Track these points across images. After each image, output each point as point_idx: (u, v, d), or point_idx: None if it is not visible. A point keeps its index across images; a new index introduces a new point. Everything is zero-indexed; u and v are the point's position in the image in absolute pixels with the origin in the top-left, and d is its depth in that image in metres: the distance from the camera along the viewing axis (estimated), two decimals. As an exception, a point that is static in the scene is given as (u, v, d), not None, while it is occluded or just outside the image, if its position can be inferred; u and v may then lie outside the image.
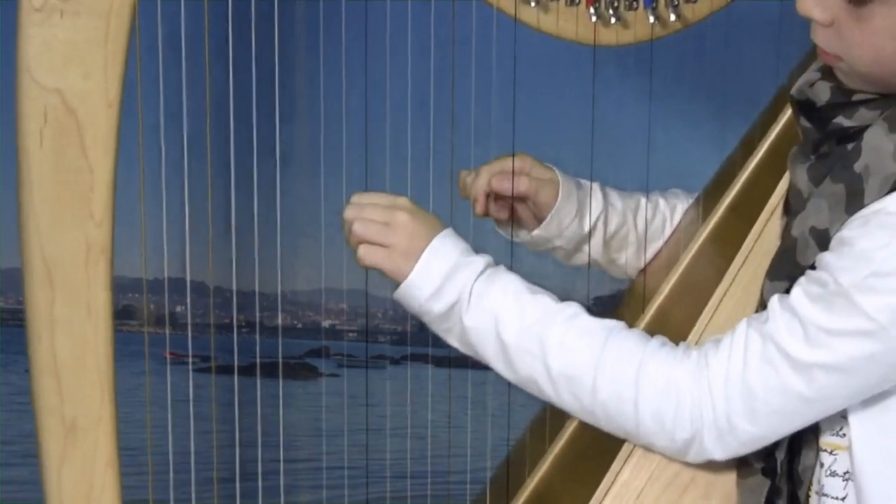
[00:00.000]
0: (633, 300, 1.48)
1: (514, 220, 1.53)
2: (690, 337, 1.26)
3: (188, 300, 1.14)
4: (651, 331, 1.26)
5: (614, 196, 1.55)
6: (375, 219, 1.22)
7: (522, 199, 1.50)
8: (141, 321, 1.16)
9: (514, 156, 1.47)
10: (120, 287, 1.05)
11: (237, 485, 1.15)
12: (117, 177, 1.04)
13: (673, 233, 1.58)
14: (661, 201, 1.58)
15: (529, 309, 1.20)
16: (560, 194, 1.48)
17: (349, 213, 1.24)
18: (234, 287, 1.15)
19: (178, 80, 1.06)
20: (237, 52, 1.09)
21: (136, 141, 1.01)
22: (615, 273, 1.59)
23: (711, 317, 1.29)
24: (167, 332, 1.17)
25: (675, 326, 1.30)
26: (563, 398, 1.18)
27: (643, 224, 1.56)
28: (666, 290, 1.43)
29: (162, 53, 1.04)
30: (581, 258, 1.54)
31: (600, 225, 1.53)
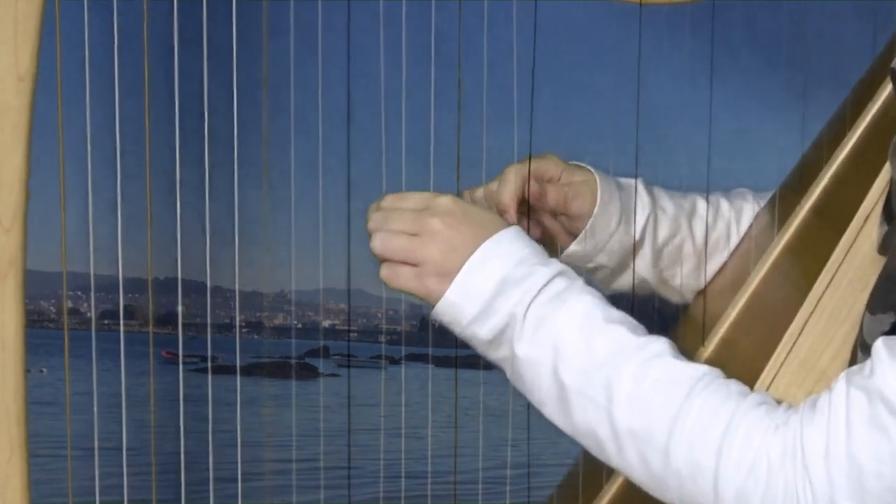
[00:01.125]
0: (691, 328, 1.20)
1: (542, 237, 1.22)
2: (763, 376, 1.02)
3: (178, 299, 1.14)
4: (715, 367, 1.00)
5: (663, 197, 1.26)
6: (402, 228, 0.99)
7: (550, 211, 1.22)
8: (140, 321, 1.16)
9: (529, 158, 1.17)
10: (118, 287, 1.05)
11: (238, 485, 1.15)
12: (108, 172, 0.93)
13: (740, 243, 1.29)
14: (724, 203, 1.30)
15: (600, 342, 0.95)
16: (599, 199, 1.20)
17: (373, 222, 1.00)
18: (237, 287, 1.15)
19: (134, 62, 0.91)
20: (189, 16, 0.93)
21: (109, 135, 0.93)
22: (669, 295, 1.29)
23: (790, 350, 1.03)
24: (154, 331, 1.16)
25: (742, 363, 1.06)
26: (628, 460, 0.94)
27: (702, 232, 1.26)
28: (732, 315, 1.16)
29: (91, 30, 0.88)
30: (628, 279, 1.25)
31: (648, 234, 1.24)
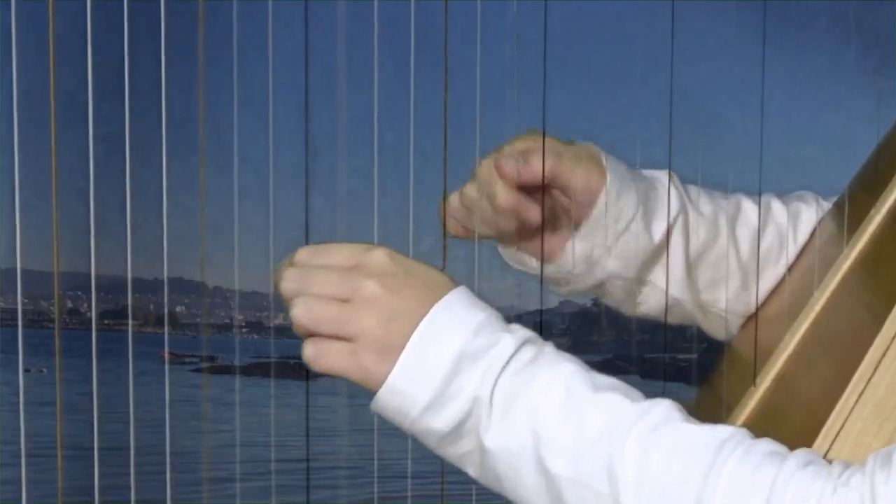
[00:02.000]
0: (738, 363, 0.98)
1: (526, 239, 1.00)
2: (830, 423, 0.81)
3: (177, 299, 1.13)
4: (767, 414, 0.87)
5: (699, 196, 1.02)
6: (330, 293, 0.79)
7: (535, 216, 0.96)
8: (140, 321, 1.16)
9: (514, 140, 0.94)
10: (120, 287, 1.05)
11: (237, 485, 1.15)
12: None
13: (799, 255, 1.03)
14: (777, 205, 1.04)
15: (591, 417, 0.76)
16: (608, 178, 0.95)
17: (290, 283, 0.81)
18: (237, 286, 1.14)
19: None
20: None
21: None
22: (710, 326, 1.03)
23: (863, 391, 0.82)
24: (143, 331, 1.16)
25: (802, 406, 0.88)
26: None
27: (749, 241, 1.00)
28: (790, 346, 0.94)
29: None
30: (654, 301, 1.00)
31: (677, 239, 0.98)
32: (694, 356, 0.97)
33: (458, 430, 0.78)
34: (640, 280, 1.01)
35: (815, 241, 1.03)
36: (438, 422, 0.78)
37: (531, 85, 0.86)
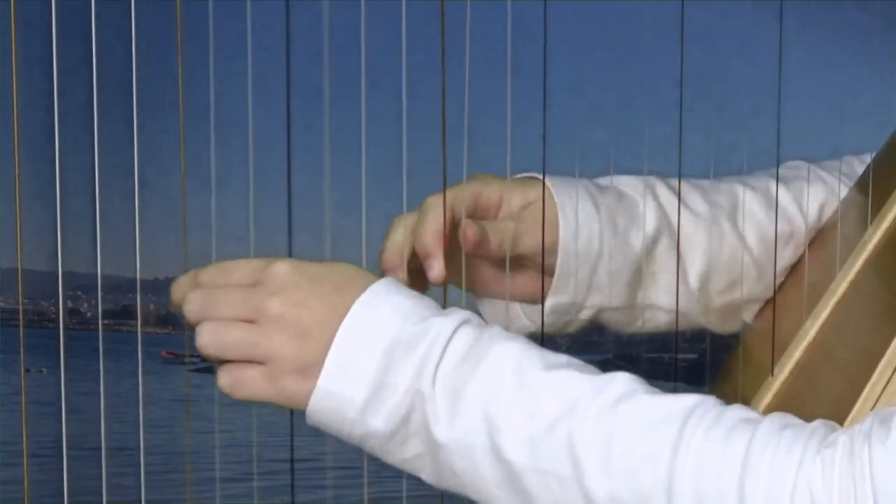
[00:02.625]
0: (754, 353, 0.93)
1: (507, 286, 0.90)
2: (855, 412, 0.76)
3: (162, 297, 1.13)
4: (786, 404, 0.82)
5: (693, 195, 0.93)
6: (233, 315, 0.74)
7: (499, 257, 0.88)
8: (140, 321, 1.16)
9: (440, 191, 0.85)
10: (119, 287, 1.05)
11: (237, 485, 1.15)
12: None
13: (816, 237, 0.96)
14: (783, 189, 0.95)
15: (546, 397, 0.71)
16: (560, 221, 0.88)
17: (192, 306, 0.76)
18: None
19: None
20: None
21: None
22: (724, 326, 0.97)
23: (890, 378, 0.77)
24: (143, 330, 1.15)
25: (825, 395, 0.83)
26: None
27: (754, 231, 0.94)
28: (811, 332, 0.89)
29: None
30: (658, 320, 0.94)
31: (666, 251, 0.91)
32: (694, 356, 0.95)
33: (402, 428, 0.73)
34: (634, 305, 0.94)
35: (835, 220, 0.95)
36: (380, 421, 0.72)
37: (530, 55, 0.82)
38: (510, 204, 0.90)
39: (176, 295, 0.79)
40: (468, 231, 0.85)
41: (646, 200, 0.92)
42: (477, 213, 0.89)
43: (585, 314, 0.93)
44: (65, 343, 0.88)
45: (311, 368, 0.73)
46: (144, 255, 0.97)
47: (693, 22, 0.81)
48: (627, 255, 0.91)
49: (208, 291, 0.77)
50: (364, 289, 0.74)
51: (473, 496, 0.75)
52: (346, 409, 0.72)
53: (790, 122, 0.87)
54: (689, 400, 0.71)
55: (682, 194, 0.93)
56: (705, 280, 0.94)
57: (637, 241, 0.91)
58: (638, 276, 0.93)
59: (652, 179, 0.95)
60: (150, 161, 0.99)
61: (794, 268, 0.98)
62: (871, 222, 0.92)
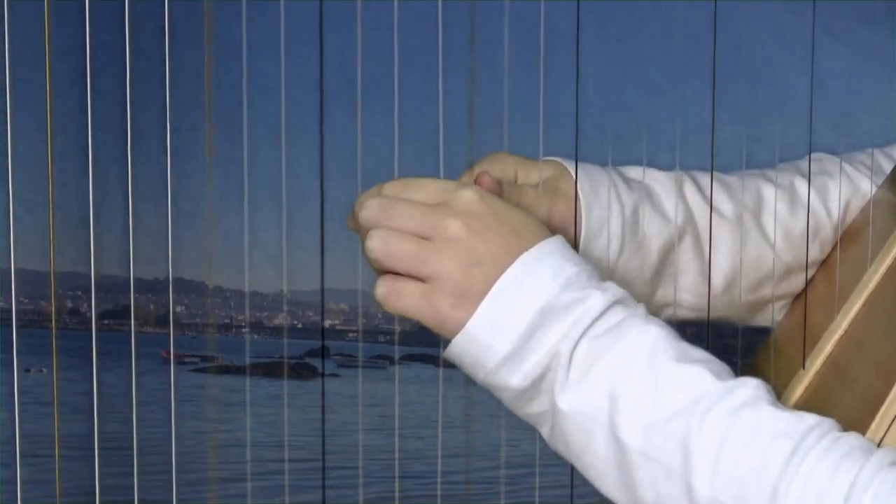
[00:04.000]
0: (785, 347, 0.93)
1: None
2: (886, 406, 0.76)
3: (162, 297, 1.13)
4: (817, 398, 0.83)
5: (718, 193, 0.93)
6: (410, 228, 0.74)
7: None
8: (140, 321, 1.16)
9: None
10: (119, 287, 1.05)
11: (237, 485, 1.15)
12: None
13: (847, 231, 0.97)
14: (800, 184, 0.96)
15: (672, 389, 0.71)
16: (584, 208, 0.87)
17: (369, 213, 0.76)
18: (245, 287, 1.14)
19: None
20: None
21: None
22: (751, 321, 0.98)
23: None
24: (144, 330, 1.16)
25: (857, 390, 0.81)
26: None
27: (780, 230, 0.94)
28: (842, 325, 0.89)
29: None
30: (678, 315, 0.93)
31: (689, 252, 0.91)
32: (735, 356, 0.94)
33: (534, 387, 0.73)
34: (651, 302, 0.92)
35: (867, 213, 0.95)
36: (515, 377, 0.73)
37: (560, 49, 0.80)
38: (528, 178, 0.89)
39: (356, 209, 0.78)
40: (483, 178, 0.83)
41: (674, 199, 0.92)
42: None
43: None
44: (56, 342, 0.88)
45: (470, 299, 0.73)
46: (144, 254, 0.97)
47: (724, 15, 0.82)
48: (647, 256, 0.90)
49: (389, 200, 0.76)
50: (539, 240, 0.75)
51: (577, 466, 0.75)
52: (488, 357, 0.73)
53: (821, 112, 0.87)
54: (808, 420, 0.71)
55: (706, 195, 0.93)
56: (730, 281, 0.94)
57: (659, 242, 0.91)
58: (658, 275, 0.92)
59: (681, 176, 0.94)
60: (148, 160, 0.99)
61: (825, 262, 0.98)
62: None
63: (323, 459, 0.88)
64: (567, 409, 0.72)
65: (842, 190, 0.98)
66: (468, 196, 0.75)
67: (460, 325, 0.73)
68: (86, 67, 0.88)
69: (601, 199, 0.88)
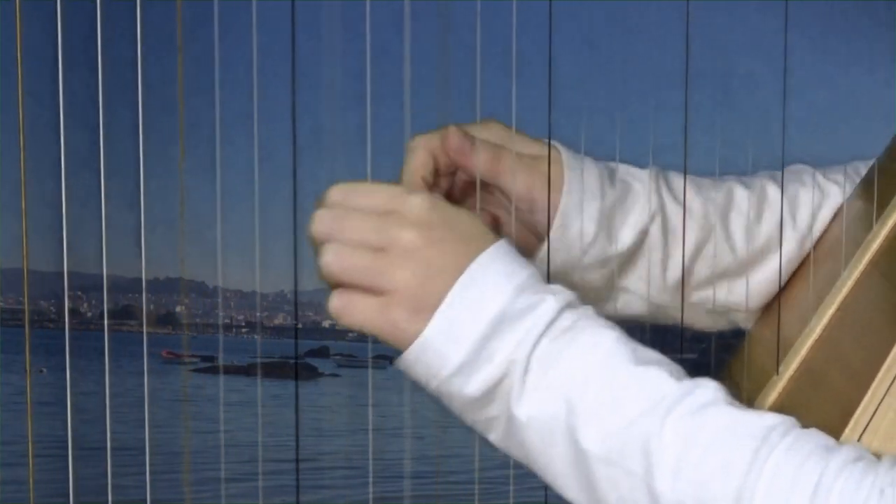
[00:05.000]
0: (759, 352, 0.93)
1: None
2: (860, 412, 0.76)
3: (162, 297, 1.13)
4: (791, 404, 0.82)
5: (689, 190, 0.93)
6: (362, 240, 0.73)
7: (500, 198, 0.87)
8: (140, 321, 1.16)
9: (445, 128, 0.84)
10: (119, 287, 1.05)
11: (236, 485, 1.15)
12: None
13: (822, 237, 0.96)
14: (772, 190, 0.96)
15: (630, 392, 0.71)
16: (566, 184, 0.87)
17: (321, 225, 0.75)
18: (257, 288, 1.14)
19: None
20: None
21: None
22: (702, 323, 0.97)
23: (893, 381, 0.76)
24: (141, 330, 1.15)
25: (830, 394, 0.82)
26: None
27: (743, 231, 0.94)
28: (816, 330, 0.89)
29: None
30: (633, 308, 0.93)
31: (654, 243, 0.91)
32: (694, 356, 0.95)
33: (488, 395, 0.72)
34: (613, 286, 0.92)
35: (840, 219, 0.95)
36: (469, 386, 0.72)
37: (533, 53, 0.80)
38: (514, 147, 0.87)
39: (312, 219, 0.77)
40: (451, 137, 0.83)
41: (649, 195, 0.91)
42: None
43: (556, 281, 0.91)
44: (69, 342, 0.88)
45: (425, 310, 0.72)
46: (145, 254, 0.97)
47: (698, 20, 0.81)
48: (617, 247, 0.90)
49: (340, 212, 0.75)
50: (488, 245, 0.74)
51: (538, 472, 0.75)
52: (441, 366, 0.72)
53: (796, 120, 0.87)
54: (770, 419, 0.70)
55: (672, 183, 0.94)
56: (687, 273, 0.93)
57: (630, 235, 0.91)
58: (623, 266, 0.93)
59: (658, 173, 0.94)
60: (150, 161, 0.99)
61: (799, 267, 0.97)
62: (876, 221, 0.92)
63: (297, 461, 0.87)
64: (525, 417, 0.72)
65: (811, 201, 0.97)
66: (419, 204, 0.74)
67: (416, 337, 0.72)
68: (96, 69, 0.87)
69: (582, 183, 0.87)
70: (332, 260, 0.73)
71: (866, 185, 0.96)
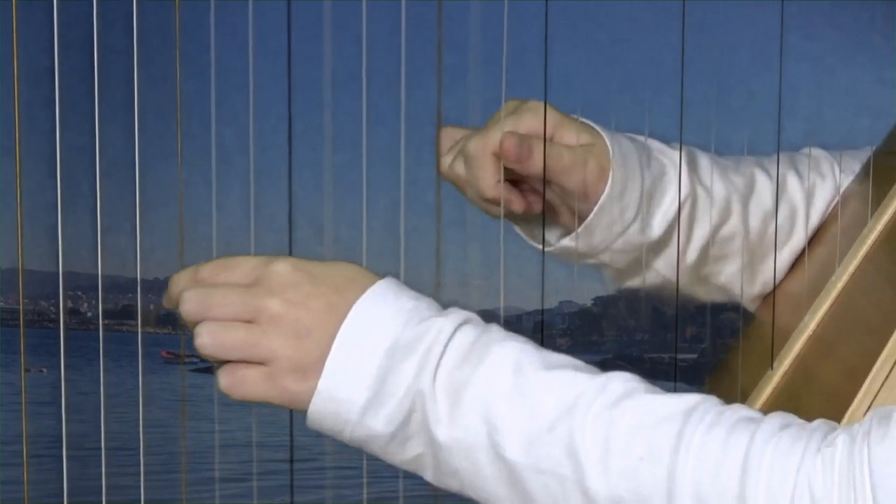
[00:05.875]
0: (754, 347, 0.94)
1: (530, 216, 0.94)
2: (854, 406, 0.76)
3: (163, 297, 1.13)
4: (785, 399, 0.82)
5: (712, 173, 0.95)
6: (232, 316, 0.73)
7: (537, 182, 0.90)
8: (141, 321, 1.16)
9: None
10: (119, 287, 1.05)
11: (236, 485, 1.15)
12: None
13: (818, 232, 0.98)
14: (793, 181, 0.97)
15: (545, 397, 0.71)
16: (610, 180, 0.90)
17: (189, 306, 0.75)
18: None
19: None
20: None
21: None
22: (709, 296, 0.99)
23: (889, 373, 0.76)
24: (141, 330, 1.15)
25: (824, 389, 0.83)
26: None
27: (759, 220, 0.96)
28: (810, 326, 0.89)
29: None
30: (655, 284, 0.96)
31: (682, 229, 0.94)
32: (694, 356, 0.95)
33: (403, 429, 0.72)
34: (633, 266, 0.95)
35: (837, 214, 0.95)
36: (380, 423, 0.72)
37: (531, 48, 0.81)
38: (564, 139, 0.90)
39: (173, 292, 0.79)
40: (508, 142, 0.86)
41: (680, 180, 0.93)
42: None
43: (589, 261, 0.95)
44: (65, 342, 0.88)
45: (310, 369, 0.73)
46: (144, 254, 0.97)
47: (694, 15, 0.82)
48: (650, 233, 0.93)
49: (206, 291, 0.76)
50: (365, 289, 0.74)
51: (473, 496, 0.74)
52: (347, 411, 0.72)
53: (791, 116, 0.89)
54: (689, 399, 0.71)
55: (700, 170, 0.94)
56: (703, 254, 0.96)
57: (662, 224, 0.94)
58: (656, 249, 0.95)
59: (687, 153, 0.95)
60: (150, 160, 0.99)
61: (796, 260, 0.99)
62: (872, 215, 0.92)
63: (291, 461, 0.87)
64: (446, 441, 0.71)
65: (827, 192, 1.00)
66: (280, 270, 0.75)
67: (310, 397, 0.73)
68: (93, 69, 0.87)
69: (627, 166, 0.90)
70: (207, 340, 0.74)
71: (861, 178, 0.97)
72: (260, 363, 0.74)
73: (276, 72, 0.87)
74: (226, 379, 0.75)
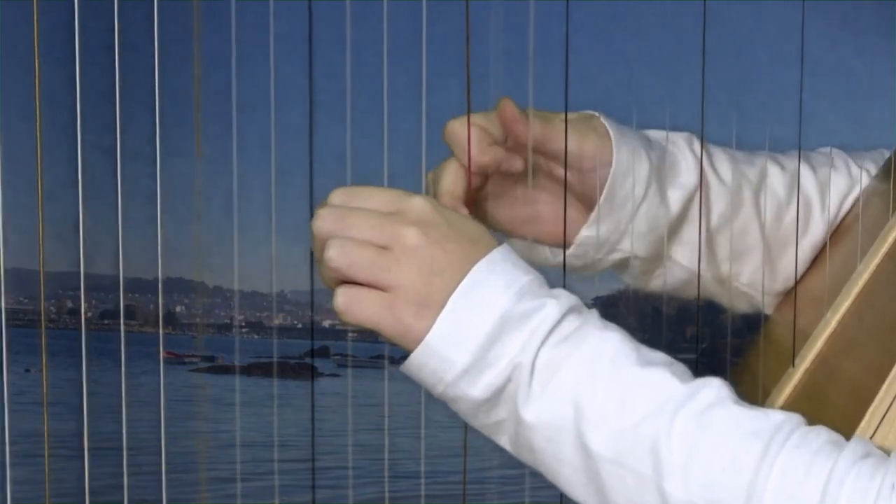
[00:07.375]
0: (774, 344, 0.93)
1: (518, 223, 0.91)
2: (875, 405, 0.75)
3: (176, 298, 1.13)
4: (806, 396, 0.82)
5: (722, 161, 0.94)
6: (366, 237, 0.73)
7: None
8: (141, 321, 1.16)
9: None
10: (119, 287, 1.05)
11: (237, 485, 1.15)
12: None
13: (838, 227, 0.96)
14: (806, 174, 0.96)
15: (637, 393, 0.71)
16: (614, 150, 0.88)
17: (325, 223, 0.75)
18: (236, 287, 1.14)
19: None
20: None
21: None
22: (732, 301, 0.98)
23: None
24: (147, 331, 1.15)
25: (845, 387, 0.81)
26: None
27: (773, 212, 0.95)
28: (832, 323, 0.88)
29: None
30: (672, 277, 0.94)
31: (694, 210, 0.92)
32: (693, 356, 0.96)
33: (494, 398, 0.72)
34: (655, 257, 0.93)
35: (858, 210, 0.94)
36: (475, 389, 0.72)
37: (551, 45, 0.81)
38: (553, 122, 0.88)
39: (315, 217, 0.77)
40: (507, 107, 0.85)
41: (688, 161, 0.92)
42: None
43: (615, 256, 0.92)
44: (63, 342, 0.88)
45: (429, 307, 0.72)
46: (144, 254, 0.97)
47: (714, 13, 0.81)
48: (665, 211, 0.91)
49: (343, 210, 0.75)
50: (491, 248, 0.74)
51: (545, 473, 0.75)
52: (447, 370, 0.72)
53: (811, 110, 0.87)
54: (776, 417, 0.70)
55: (714, 161, 0.94)
56: (715, 246, 0.94)
57: (676, 201, 0.92)
58: (667, 231, 0.93)
59: (696, 140, 0.94)
60: (146, 161, 0.99)
61: (816, 258, 0.97)
62: (893, 213, 0.91)
63: (312, 460, 0.88)
64: (532, 419, 0.72)
65: (841, 187, 0.98)
66: (421, 204, 0.74)
67: (422, 335, 0.72)
68: (75, 68, 0.87)
69: (629, 142, 0.89)
70: (337, 255, 0.73)
71: (883, 176, 0.95)
72: (382, 289, 0.73)
73: (298, 67, 0.86)
74: (343, 298, 0.73)
